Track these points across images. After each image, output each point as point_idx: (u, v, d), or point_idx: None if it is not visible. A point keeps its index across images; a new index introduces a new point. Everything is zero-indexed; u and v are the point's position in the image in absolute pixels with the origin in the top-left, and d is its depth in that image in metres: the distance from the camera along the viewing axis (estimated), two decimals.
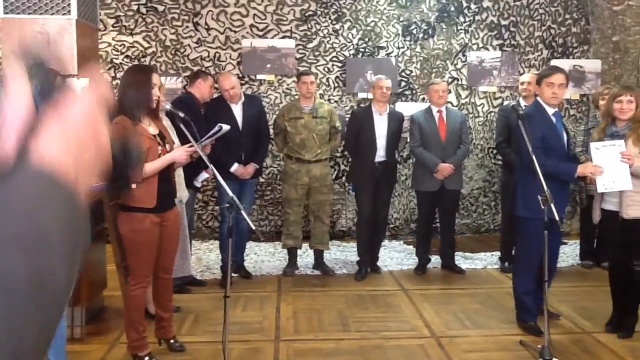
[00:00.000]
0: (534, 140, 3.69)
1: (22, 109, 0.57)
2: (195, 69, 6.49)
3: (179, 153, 3.33)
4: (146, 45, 6.57)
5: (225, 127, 3.64)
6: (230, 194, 3.15)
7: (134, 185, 3.21)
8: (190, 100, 4.88)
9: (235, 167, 4.97)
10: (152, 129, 3.33)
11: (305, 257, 5.76)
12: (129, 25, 6.55)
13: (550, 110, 3.89)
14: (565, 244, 6.40)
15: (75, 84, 3.80)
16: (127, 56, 6.56)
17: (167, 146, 3.35)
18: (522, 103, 5.32)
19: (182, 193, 4.30)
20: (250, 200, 5.35)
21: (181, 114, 3.37)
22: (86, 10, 3.99)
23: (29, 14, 3.75)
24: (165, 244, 3.41)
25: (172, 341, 3.65)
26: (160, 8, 6.55)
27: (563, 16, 6.89)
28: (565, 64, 6.83)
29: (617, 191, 3.73)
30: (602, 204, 3.95)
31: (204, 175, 4.87)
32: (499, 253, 5.59)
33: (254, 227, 3.14)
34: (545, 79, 3.86)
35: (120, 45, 6.56)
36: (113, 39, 6.55)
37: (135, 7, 6.54)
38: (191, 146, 3.34)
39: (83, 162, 0.57)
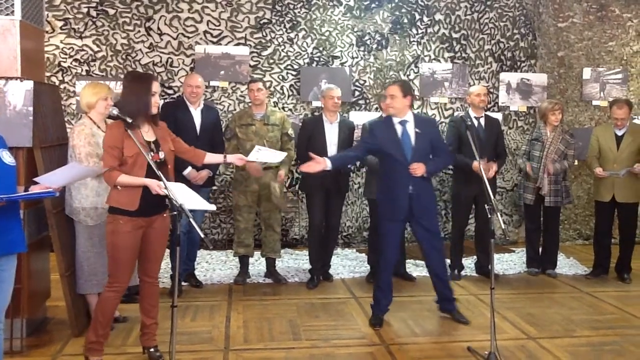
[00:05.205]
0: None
1: None
2: None
3: (152, 186, 3.26)
4: (96, 49, 6.42)
5: None
6: (179, 201, 3.09)
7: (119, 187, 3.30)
8: None
9: (188, 171, 4.88)
10: (149, 136, 3.40)
11: (257, 265, 5.72)
12: (78, 28, 6.39)
13: (395, 120, 4.25)
14: (513, 252, 6.59)
15: (17, 87, 3.68)
16: (75, 59, 6.40)
17: (160, 154, 3.41)
18: (472, 114, 5.46)
19: None
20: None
21: (129, 120, 3.30)
22: (31, 11, 3.86)
23: None
24: (150, 248, 3.44)
25: (152, 350, 3.60)
26: (111, 12, 6.42)
27: (511, 31, 7.11)
28: (513, 77, 7.07)
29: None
30: None
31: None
32: (448, 261, 5.67)
33: (202, 235, 3.08)
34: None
35: (69, 49, 6.39)
36: (61, 41, 6.38)
37: (85, 10, 6.39)
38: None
39: None
